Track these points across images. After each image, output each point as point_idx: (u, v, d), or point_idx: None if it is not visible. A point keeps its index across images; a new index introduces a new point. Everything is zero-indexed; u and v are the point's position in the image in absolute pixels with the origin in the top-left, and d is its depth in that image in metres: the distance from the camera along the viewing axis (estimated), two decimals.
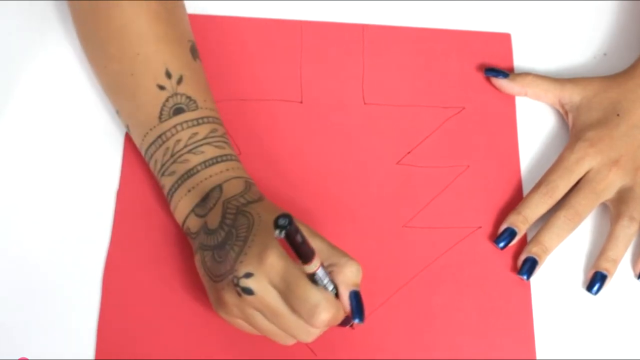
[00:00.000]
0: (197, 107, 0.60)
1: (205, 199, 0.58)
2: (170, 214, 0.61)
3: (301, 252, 0.50)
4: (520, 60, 0.72)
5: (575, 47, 0.73)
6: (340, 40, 0.71)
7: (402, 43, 0.71)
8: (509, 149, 0.68)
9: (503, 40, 0.73)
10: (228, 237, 0.55)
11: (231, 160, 0.60)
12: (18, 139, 0.65)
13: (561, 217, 0.63)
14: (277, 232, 0.48)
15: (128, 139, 0.65)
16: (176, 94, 0.60)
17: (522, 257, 0.63)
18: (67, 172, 0.64)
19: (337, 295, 0.54)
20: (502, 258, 0.64)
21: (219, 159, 0.59)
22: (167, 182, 0.59)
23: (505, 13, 0.74)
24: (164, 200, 0.62)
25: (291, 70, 0.69)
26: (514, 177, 0.67)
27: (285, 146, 0.66)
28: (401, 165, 0.67)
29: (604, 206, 0.66)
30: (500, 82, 0.70)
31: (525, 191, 0.66)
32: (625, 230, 0.63)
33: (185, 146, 0.59)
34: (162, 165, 0.59)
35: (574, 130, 0.67)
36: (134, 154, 0.64)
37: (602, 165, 0.64)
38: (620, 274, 0.64)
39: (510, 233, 0.63)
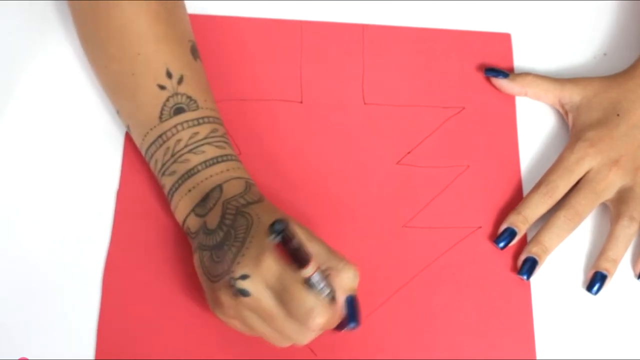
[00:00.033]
0: (197, 107, 0.60)
1: (205, 198, 0.58)
2: (170, 214, 0.61)
3: (296, 257, 0.51)
4: (520, 60, 0.72)
5: (575, 47, 0.73)
6: (340, 40, 0.71)
7: (402, 43, 0.71)
8: (509, 149, 0.68)
9: (503, 40, 0.73)
10: (226, 237, 0.55)
11: (231, 160, 0.60)
12: (18, 139, 0.65)
13: (561, 217, 0.63)
14: (271, 237, 0.48)
15: (128, 139, 0.65)
16: (177, 94, 0.60)
17: (522, 257, 0.63)
18: (67, 172, 0.64)
19: (334, 298, 0.54)
20: (502, 258, 0.64)
21: (220, 159, 0.59)
22: (167, 182, 0.59)
23: (505, 13, 0.74)
24: (164, 200, 0.62)
25: (291, 70, 0.69)
26: (514, 177, 0.67)
27: (285, 146, 0.66)
28: (401, 165, 0.67)
29: (604, 206, 0.66)
30: (500, 82, 0.70)
31: (525, 191, 0.66)
32: (625, 230, 0.63)
33: (186, 146, 0.59)
34: (163, 165, 0.59)
35: (574, 130, 0.67)
36: (134, 154, 0.64)
37: (602, 165, 0.64)
38: (620, 274, 0.64)
39: (510, 233, 0.63)
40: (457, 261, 0.63)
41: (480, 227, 0.65)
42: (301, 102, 0.68)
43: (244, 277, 0.52)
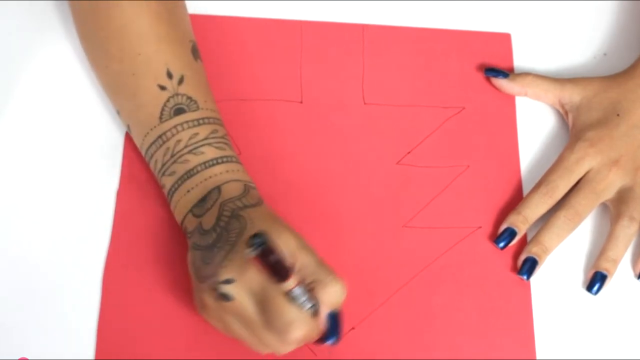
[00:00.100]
0: (197, 108, 0.60)
1: (203, 199, 0.58)
2: (170, 214, 0.61)
3: (275, 271, 0.50)
4: (520, 60, 0.72)
5: (575, 47, 0.73)
6: (340, 40, 0.71)
7: (402, 43, 0.71)
8: (509, 149, 0.68)
9: (503, 40, 0.73)
10: (218, 239, 0.55)
11: (231, 162, 0.60)
12: (18, 139, 0.65)
13: (561, 217, 0.63)
14: (249, 250, 0.48)
15: (128, 139, 0.65)
16: (177, 94, 0.60)
17: (522, 257, 0.63)
18: (67, 172, 0.64)
19: (317, 312, 0.54)
20: (502, 258, 0.64)
21: (219, 160, 0.59)
22: (167, 182, 0.59)
23: (505, 13, 0.74)
24: (164, 200, 0.62)
25: (291, 70, 0.69)
26: (514, 177, 0.67)
27: (285, 146, 0.66)
28: (401, 165, 0.67)
29: (604, 206, 0.66)
30: (500, 82, 0.70)
31: (525, 191, 0.66)
32: (625, 230, 0.63)
33: (186, 146, 0.59)
34: (163, 165, 0.59)
35: (574, 130, 0.67)
36: (134, 154, 0.64)
37: (602, 165, 0.64)
38: (620, 274, 0.64)
39: (510, 233, 0.63)
40: (457, 261, 0.63)
41: (480, 227, 0.65)
42: (301, 102, 0.68)
43: (228, 281, 0.52)
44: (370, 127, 0.68)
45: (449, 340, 0.61)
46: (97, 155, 0.65)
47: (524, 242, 0.64)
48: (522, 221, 0.63)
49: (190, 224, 0.58)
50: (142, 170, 0.64)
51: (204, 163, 0.59)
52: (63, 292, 0.60)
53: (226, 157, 0.59)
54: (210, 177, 0.58)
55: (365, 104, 0.69)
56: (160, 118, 0.59)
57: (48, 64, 0.68)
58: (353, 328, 0.61)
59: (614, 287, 0.63)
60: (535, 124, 0.69)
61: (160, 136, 0.59)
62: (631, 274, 0.64)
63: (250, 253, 0.48)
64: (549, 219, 0.63)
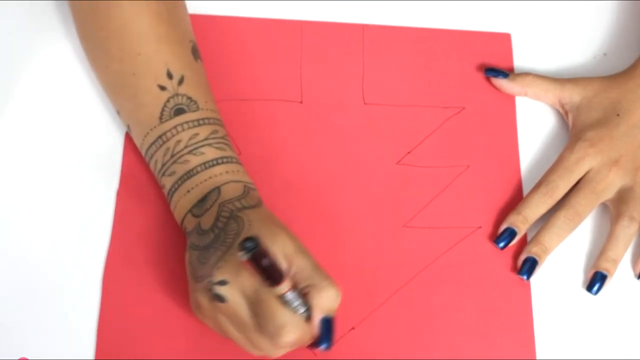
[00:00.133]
0: (198, 108, 0.60)
1: (203, 199, 0.58)
2: (170, 214, 0.61)
3: (267, 275, 0.51)
4: (520, 60, 0.72)
5: (575, 47, 0.73)
6: (340, 40, 0.71)
7: (402, 43, 0.71)
8: (509, 149, 0.68)
9: (503, 40, 0.73)
10: (216, 240, 0.55)
11: (231, 162, 0.59)
12: (18, 139, 0.65)
13: (561, 217, 0.63)
14: (240, 254, 0.48)
15: (128, 139, 0.65)
16: (177, 95, 0.60)
17: (522, 257, 0.63)
18: (67, 172, 0.64)
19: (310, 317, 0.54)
20: (502, 258, 0.64)
21: (219, 161, 0.59)
22: (167, 182, 0.59)
23: (505, 13, 0.74)
24: (164, 200, 0.62)
25: (291, 70, 0.69)
26: (514, 177, 0.67)
27: (285, 146, 0.66)
28: (401, 165, 0.67)
29: (604, 206, 0.66)
30: (500, 82, 0.70)
31: (525, 191, 0.66)
32: (625, 230, 0.63)
33: (186, 147, 0.59)
34: (163, 166, 0.59)
35: (574, 130, 0.67)
36: (134, 154, 0.64)
37: (602, 165, 0.64)
38: (620, 274, 0.64)
39: (510, 233, 0.63)
40: (457, 261, 0.63)
41: (480, 227, 0.65)
42: (301, 102, 0.68)
43: (222, 282, 0.53)
44: (370, 127, 0.68)
45: (449, 340, 0.61)
46: (97, 156, 0.65)
47: (524, 242, 0.64)
48: (522, 221, 0.63)
49: (190, 224, 0.58)
50: (142, 170, 0.64)
51: (204, 163, 0.59)
52: (63, 292, 0.60)
53: (226, 157, 0.59)
54: (210, 177, 0.58)
55: (365, 104, 0.69)
56: (161, 118, 0.59)
57: (48, 64, 0.68)
58: (353, 328, 0.61)
59: (614, 287, 0.63)
60: (535, 124, 0.69)
61: (160, 136, 0.59)
62: (631, 274, 0.64)
63: (242, 257, 0.49)
64: (549, 219, 0.63)
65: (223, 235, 0.55)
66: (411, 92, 0.69)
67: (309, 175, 0.65)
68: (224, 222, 0.56)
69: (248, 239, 0.48)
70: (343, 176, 0.66)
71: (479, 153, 0.68)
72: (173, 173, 0.59)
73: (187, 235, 0.59)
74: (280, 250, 0.53)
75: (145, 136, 0.60)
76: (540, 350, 0.61)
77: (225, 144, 0.60)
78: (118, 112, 0.63)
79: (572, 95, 0.68)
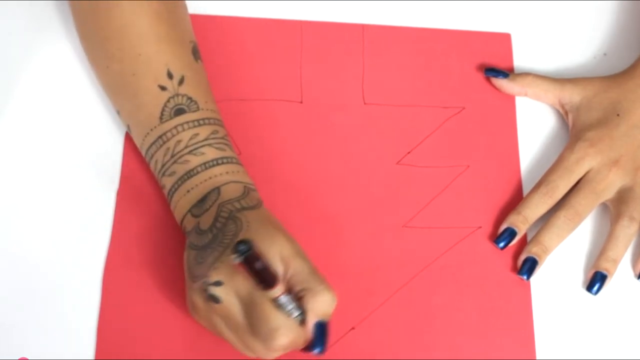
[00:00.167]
0: (198, 108, 0.60)
1: (203, 200, 0.58)
2: (170, 214, 0.61)
3: (260, 279, 0.51)
4: (520, 60, 0.72)
5: (575, 47, 0.73)
6: (340, 40, 0.71)
7: (402, 43, 0.71)
8: (509, 149, 0.68)
9: (503, 40, 0.73)
10: (213, 240, 0.56)
11: (231, 162, 0.59)
12: (18, 138, 0.65)
13: (561, 217, 0.63)
14: (233, 257, 0.48)
15: (128, 139, 0.65)
16: (177, 95, 0.60)
17: (522, 257, 0.63)
18: (67, 172, 0.64)
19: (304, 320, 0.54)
20: (502, 258, 0.64)
21: (219, 161, 0.59)
22: (167, 182, 0.59)
23: (505, 13, 0.74)
24: (164, 200, 0.62)
25: (291, 70, 0.69)
26: (514, 177, 0.67)
27: (285, 146, 0.66)
28: (401, 165, 0.67)
29: (604, 206, 0.66)
30: (500, 82, 0.70)
31: (525, 191, 0.66)
32: (625, 230, 0.63)
33: (186, 147, 0.59)
34: (163, 166, 0.59)
35: (574, 130, 0.67)
36: (134, 154, 0.64)
37: (602, 165, 0.64)
38: (620, 274, 0.64)
39: (510, 233, 0.63)
40: (457, 261, 0.63)
41: (480, 227, 0.65)
42: (301, 102, 0.68)
43: (217, 283, 0.53)
44: (370, 127, 0.68)
45: (449, 340, 0.61)
46: (97, 156, 0.65)
47: (524, 242, 0.64)
48: (522, 221, 0.63)
49: (189, 224, 0.58)
50: (142, 170, 0.64)
51: (204, 164, 0.59)
52: (63, 292, 0.60)
53: (226, 158, 0.59)
54: (210, 177, 0.58)
55: (365, 104, 0.69)
56: (161, 118, 0.59)
57: (48, 64, 0.68)
58: (353, 328, 0.61)
59: (614, 287, 0.63)
60: (535, 124, 0.69)
61: (160, 136, 0.59)
62: (631, 274, 0.64)
63: (235, 259, 0.49)
64: (549, 219, 0.63)
65: (221, 235, 0.55)
66: (411, 92, 0.69)
67: (309, 175, 0.65)
68: (223, 222, 0.56)
69: (241, 241, 0.48)
70: (343, 176, 0.66)
71: (479, 153, 0.68)
72: (173, 173, 0.59)
73: (186, 235, 0.59)
74: (277, 253, 0.53)
75: (146, 136, 0.60)
76: (540, 350, 0.61)
77: (226, 144, 0.60)
78: (118, 112, 0.63)
79: (572, 95, 0.68)
